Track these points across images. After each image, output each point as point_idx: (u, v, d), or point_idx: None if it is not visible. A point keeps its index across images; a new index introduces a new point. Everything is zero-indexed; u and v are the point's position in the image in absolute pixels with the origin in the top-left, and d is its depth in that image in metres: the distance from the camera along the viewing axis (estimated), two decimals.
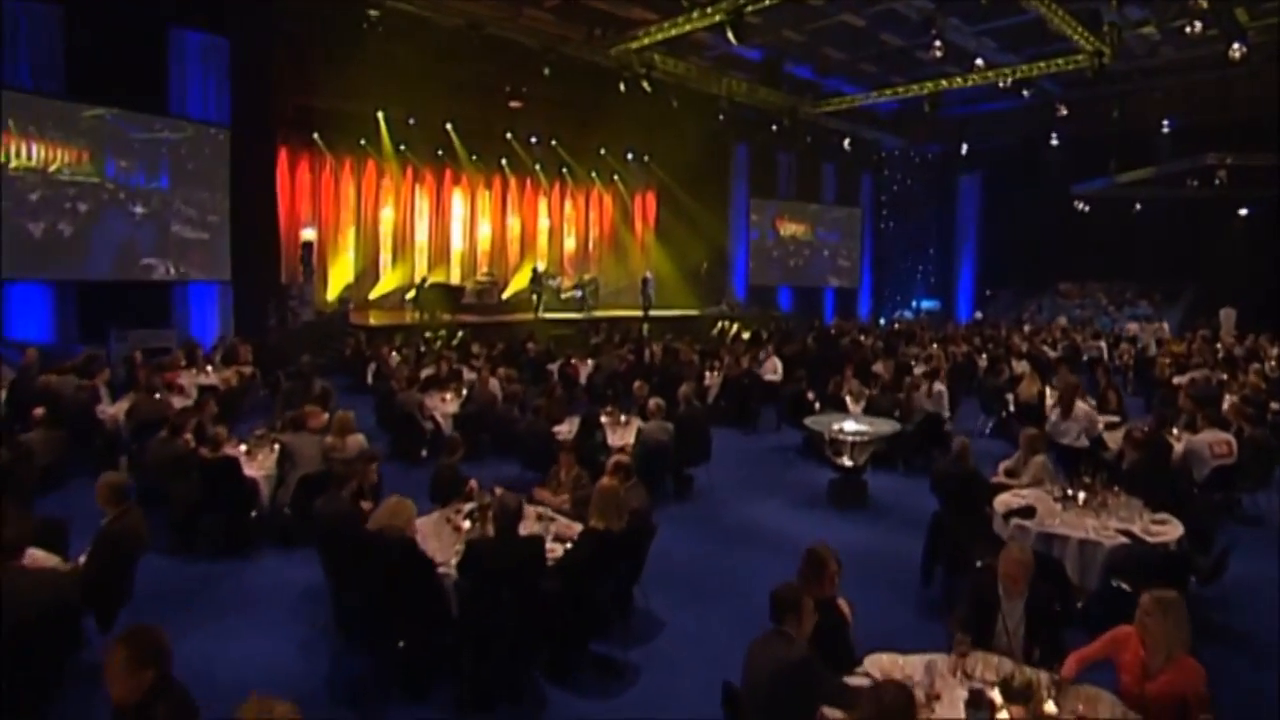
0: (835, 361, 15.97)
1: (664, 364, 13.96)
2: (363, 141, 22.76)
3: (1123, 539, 6.20)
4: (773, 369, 13.86)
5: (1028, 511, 6.64)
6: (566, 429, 9.45)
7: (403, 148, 23.36)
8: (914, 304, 31.61)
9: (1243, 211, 26.06)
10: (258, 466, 7.79)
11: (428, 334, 17.03)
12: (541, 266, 24.25)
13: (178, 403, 10.19)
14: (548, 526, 5.97)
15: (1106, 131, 25.92)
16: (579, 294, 23.96)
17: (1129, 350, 18.18)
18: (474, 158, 24.66)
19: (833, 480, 9.24)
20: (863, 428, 9.02)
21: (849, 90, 24.38)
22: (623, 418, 9.73)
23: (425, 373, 13.33)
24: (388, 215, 24.25)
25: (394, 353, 15.43)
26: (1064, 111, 24.38)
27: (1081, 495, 6.78)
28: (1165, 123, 25.87)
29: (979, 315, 29.56)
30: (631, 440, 8.85)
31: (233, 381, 11.87)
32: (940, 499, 7.40)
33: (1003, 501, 7.01)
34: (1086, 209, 27.07)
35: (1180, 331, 25.89)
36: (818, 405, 11.45)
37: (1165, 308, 26.88)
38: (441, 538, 5.83)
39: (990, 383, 12.57)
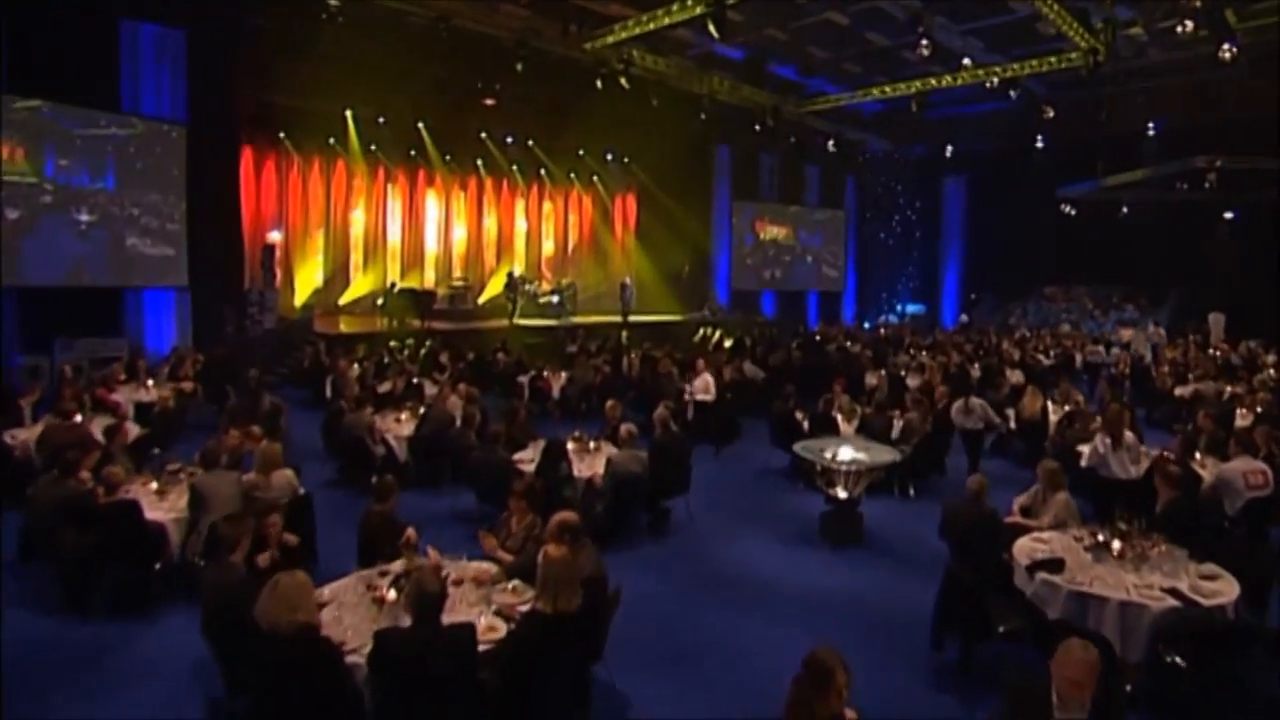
0: (823, 372, 14.95)
1: (641, 376, 12.89)
2: (331, 141, 21.58)
3: (1171, 600, 5.18)
4: (704, 388, 12.44)
5: (1055, 565, 5.61)
6: (531, 455, 8.36)
7: (374, 148, 22.22)
8: (899, 308, 30.68)
9: (1228, 215, 25.31)
10: (168, 509, 6.65)
11: (392, 343, 15.86)
12: (518, 271, 23.09)
13: (102, 427, 9.00)
14: (488, 595, 4.87)
15: (1092, 134, 25.15)
16: (556, 299, 22.81)
17: (1124, 358, 17.22)
18: (447, 158, 23.51)
19: (825, 513, 8.19)
20: (859, 456, 7.96)
21: (832, 91, 23.43)
22: (592, 444, 8.62)
23: (384, 387, 12.21)
24: (358, 218, 23.08)
25: (355, 364, 14.26)
26: (1050, 113, 23.55)
27: (1115, 543, 5.75)
28: (1151, 125, 25.02)
29: (965, 319, 28.70)
30: (601, 470, 7.76)
31: (169, 400, 10.65)
32: (951, 545, 6.35)
33: (1023, 549, 5.97)
34: (1073, 212, 26.23)
35: (1169, 336, 25.12)
36: (806, 424, 10.39)
37: (1151, 312, 26.07)
38: (360, 610, 4.72)
39: (988, 397, 11.55)
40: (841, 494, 8.00)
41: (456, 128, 22.22)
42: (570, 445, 8.41)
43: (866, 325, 28.94)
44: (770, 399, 13.19)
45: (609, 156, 25.78)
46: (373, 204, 23.19)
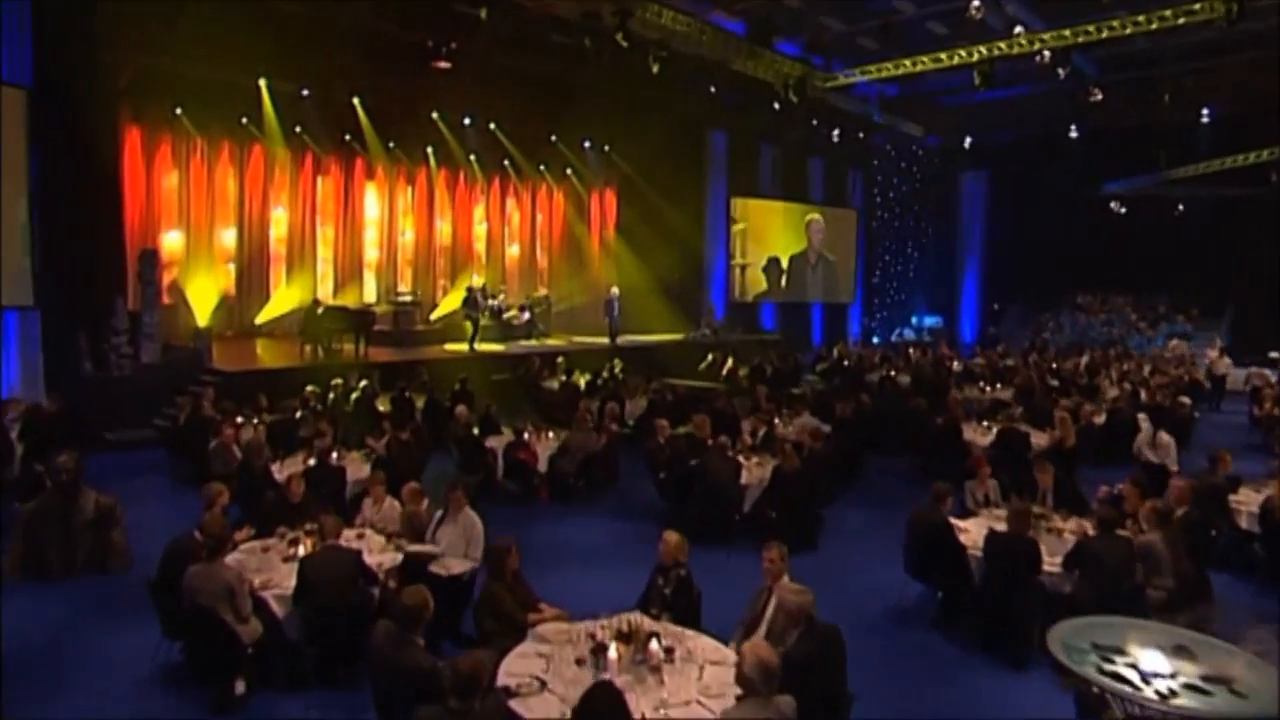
0: (902, 425, 11.08)
1: (671, 450, 8.77)
2: (244, 120, 17.13)
3: None
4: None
5: None
6: (542, 662, 4.23)
7: (298, 129, 17.90)
8: (914, 321, 27.04)
9: None
10: None
11: (310, 388, 11.44)
12: (478, 283, 18.68)
13: None
14: None
15: (1136, 122, 21.85)
16: (526, 316, 18.67)
17: (1274, 389, 13.45)
18: (390, 145, 19.13)
19: None
20: (1203, 685, 3.94)
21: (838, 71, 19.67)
22: (653, 642, 4.42)
23: (290, 469, 7.93)
24: (280, 216, 18.67)
25: (252, 425, 9.92)
26: (1098, 96, 20.22)
27: None
28: (1206, 112, 21.68)
29: (993, 332, 25.29)
30: None
31: None
32: None
33: None
34: (1123, 210, 22.91)
35: (1230, 354, 21.84)
36: (968, 524, 6.37)
37: (1206, 326, 22.74)
38: None
39: (1205, 480, 7.67)
40: None
41: (402, 105, 17.98)
42: (613, 652, 4.26)
43: (876, 341, 25.30)
44: (846, 463, 9.28)
45: (587, 144, 21.62)
46: (298, 199, 18.74)
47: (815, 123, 19.78)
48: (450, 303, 19.68)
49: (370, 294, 19.70)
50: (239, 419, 9.92)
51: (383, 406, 11.74)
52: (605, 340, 18.36)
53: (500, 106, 18.69)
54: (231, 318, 17.78)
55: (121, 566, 7.20)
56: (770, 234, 24.50)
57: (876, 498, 9.68)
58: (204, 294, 17.30)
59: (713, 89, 16.67)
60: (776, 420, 10.48)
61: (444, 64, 14.25)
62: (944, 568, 6.28)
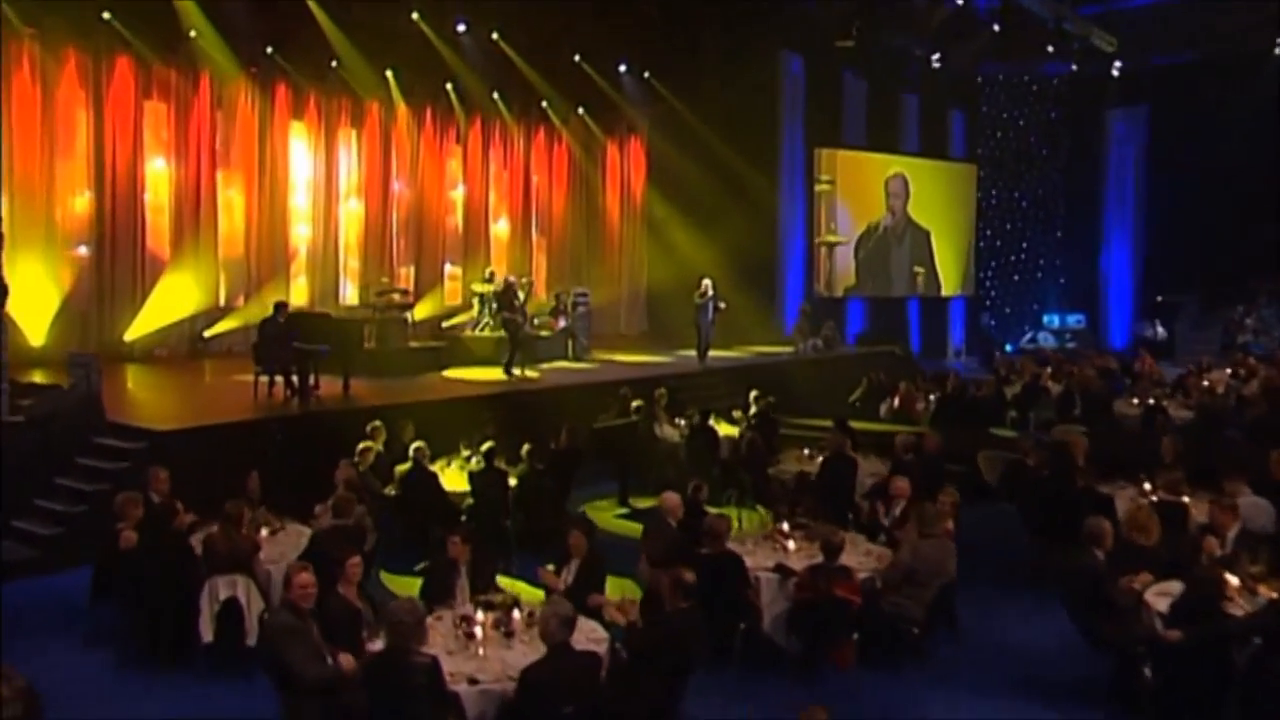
0: None
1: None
2: (106, 15, 14.29)
3: None
4: None
5: None
6: None
7: (193, 33, 15.08)
8: (1047, 320, 25.14)
9: None
10: None
11: (344, 464, 7.97)
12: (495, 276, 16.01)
13: None
14: None
15: None
16: (562, 324, 15.96)
17: None
18: (334, 63, 16.42)
19: None
20: None
21: None
22: None
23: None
24: (161, 172, 15.85)
25: (270, 528, 6.66)
26: None
27: None
28: None
29: (1159, 333, 23.63)
30: None
31: None
32: None
33: None
34: None
35: None
36: None
37: None
38: None
39: None
40: None
41: None
42: None
43: (1010, 348, 23.37)
44: None
45: (623, 69, 19.12)
46: (190, 144, 15.87)
47: (998, 28, 17.50)
48: (430, 305, 16.80)
49: (300, 293, 16.95)
50: (241, 522, 6.67)
51: (450, 483, 8.75)
52: (671, 357, 15.83)
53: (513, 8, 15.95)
54: (85, 333, 14.89)
55: None
56: (865, 200, 22.23)
57: None
58: (36, 296, 14.27)
59: None
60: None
61: None
62: None
